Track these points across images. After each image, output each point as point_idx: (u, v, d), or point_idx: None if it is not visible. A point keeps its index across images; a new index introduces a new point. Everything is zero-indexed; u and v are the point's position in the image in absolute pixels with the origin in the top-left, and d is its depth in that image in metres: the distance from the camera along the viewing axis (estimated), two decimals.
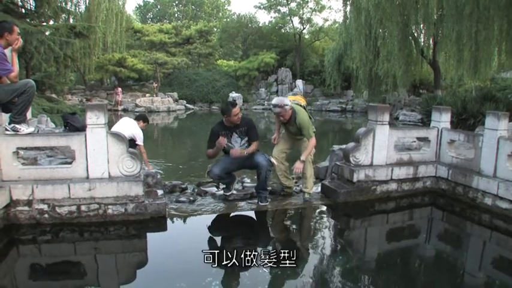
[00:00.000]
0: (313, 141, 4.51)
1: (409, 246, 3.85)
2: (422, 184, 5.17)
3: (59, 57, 11.87)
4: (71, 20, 15.55)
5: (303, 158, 4.47)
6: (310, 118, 4.64)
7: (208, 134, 4.46)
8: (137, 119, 6.13)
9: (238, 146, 4.41)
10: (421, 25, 15.70)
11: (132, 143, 5.44)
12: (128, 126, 5.73)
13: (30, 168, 3.87)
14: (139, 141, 5.79)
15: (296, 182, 5.32)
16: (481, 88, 14.91)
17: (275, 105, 4.39)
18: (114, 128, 5.43)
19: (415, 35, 16.65)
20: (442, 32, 14.36)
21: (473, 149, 4.92)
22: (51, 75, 13.91)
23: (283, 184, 4.83)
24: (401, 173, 4.98)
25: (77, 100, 22.66)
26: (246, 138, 4.43)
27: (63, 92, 16.68)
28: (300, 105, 4.65)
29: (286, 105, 4.40)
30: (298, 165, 4.41)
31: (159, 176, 5.02)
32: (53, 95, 13.82)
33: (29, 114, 4.86)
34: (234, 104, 4.28)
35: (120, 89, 23.65)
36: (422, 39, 17.06)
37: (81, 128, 4.64)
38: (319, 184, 5.17)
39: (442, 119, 5.26)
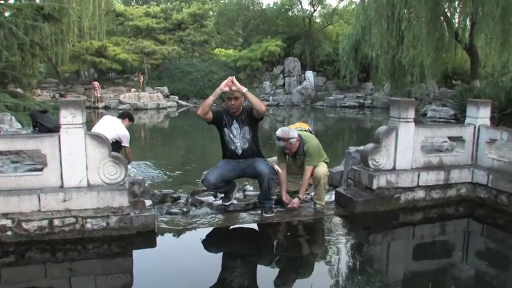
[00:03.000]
0: (310, 171, 4.64)
1: (441, 267, 3.79)
2: (456, 192, 5.14)
3: (24, 44, 11.64)
4: (37, 0, 15.39)
5: (301, 195, 4.66)
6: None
7: (204, 136, 4.48)
8: (121, 117, 6.17)
9: (237, 134, 4.46)
10: (456, 2, 15.54)
11: (116, 145, 5.46)
12: (112, 126, 5.76)
13: None
14: (126, 142, 5.82)
15: (306, 190, 5.32)
16: None
17: (279, 139, 4.52)
18: (95, 129, 5.46)
19: (448, 14, 16.48)
20: (483, 9, 14.07)
21: None
22: (15, 65, 13.71)
23: (288, 190, 4.84)
24: (429, 178, 4.95)
25: (49, 96, 22.69)
26: (247, 128, 4.45)
27: (30, 86, 16.52)
28: (305, 131, 4.80)
29: (293, 138, 4.53)
30: (295, 201, 4.63)
31: (147, 184, 5.03)
32: (18, 90, 13.60)
33: None
34: (237, 96, 4.38)
35: (97, 83, 23.70)
36: (456, 20, 16.83)
37: (54, 129, 4.67)
38: (333, 192, 5.15)
39: (480, 115, 5.23)
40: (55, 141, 3.78)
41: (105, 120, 6.01)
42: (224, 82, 4.32)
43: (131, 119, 6.30)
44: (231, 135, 4.46)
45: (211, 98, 4.33)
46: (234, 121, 4.45)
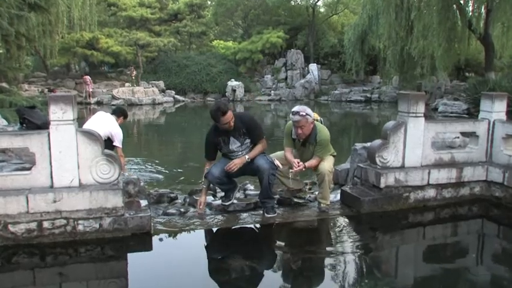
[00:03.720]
0: (317, 161, 4.57)
1: (454, 271, 3.77)
2: (469, 190, 5.14)
3: (8, 36, 11.48)
4: None
5: (307, 164, 4.55)
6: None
7: (202, 132, 4.47)
8: (115, 113, 6.14)
9: (237, 148, 4.44)
10: None
11: (108, 143, 5.45)
12: (104, 123, 5.74)
13: None
14: (118, 142, 5.80)
15: (310, 189, 5.31)
16: None
17: (295, 112, 4.44)
18: (87, 126, 5.44)
19: (461, 2, 16.39)
20: None
21: None
22: (0, 58, 13.77)
23: (290, 188, 4.84)
24: (441, 176, 4.95)
25: (37, 90, 22.72)
26: (248, 140, 4.44)
27: (17, 81, 16.54)
28: (316, 121, 4.75)
29: (309, 115, 4.45)
30: (301, 164, 4.48)
31: (142, 183, 5.03)
32: (4, 84, 13.57)
33: None
34: (224, 111, 4.18)
35: (88, 78, 23.72)
36: (470, 7, 16.72)
37: (43, 125, 4.66)
38: (338, 191, 5.15)
39: (495, 109, 5.22)
40: (44, 139, 3.78)
41: (97, 116, 6.00)
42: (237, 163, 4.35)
43: (126, 117, 6.28)
44: (231, 152, 4.47)
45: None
46: (231, 137, 4.42)
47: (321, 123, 4.81)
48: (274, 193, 4.70)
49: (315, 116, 4.77)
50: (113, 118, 5.97)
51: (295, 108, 4.50)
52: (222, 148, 4.48)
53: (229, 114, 4.23)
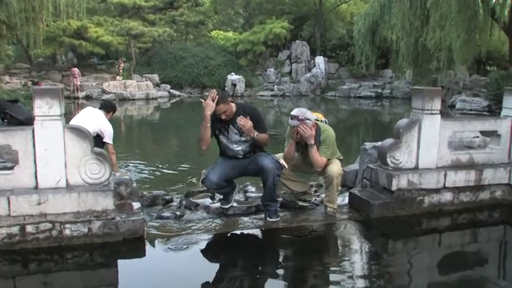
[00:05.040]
0: (324, 161, 4.50)
1: (473, 282, 3.76)
2: (490, 194, 5.12)
3: None
4: None
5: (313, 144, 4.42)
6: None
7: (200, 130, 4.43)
8: (104, 108, 6.14)
9: (236, 140, 4.42)
10: None
11: (96, 141, 5.45)
12: (94, 119, 5.75)
13: None
14: (108, 138, 5.81)
15: (316, 191, 5.31)
16: None
17: (293, 117, 4.39)
18: (74, 121, 5.45)
19: None
20: None
21: None
22: None
23: (294, 191, 4.83)
24: (458, 179, 4.94)
25: (19, 83, 22.81)
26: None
27: None
28: (320, 121, 4.73)
29: (308, 119, 4.39)
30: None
31: (134, 185, 5.03)
32: None
33: None
34: (221, 101, 4.20)
35: (76, 70, 23.74)
36: None
37: (27, 121, 4.67)
38: (346, 194, 5.16)
39: None
40: (28, 136, 3.78)
41: (86, 112, 6.01)
42: (207, 102, 4.19)
43: (115, 111, 6.29)
44: (230, 143, 4.45)
45: (204, 125, 4.27)
46: (231, 126, 4.41)
47: (326, 123, 4.80)
48: (277, 196, 4.69)
49: (319, 116, 4.77)
50: (101, 113, 5.97)
51: (294, 112, 4.45)
52: (219, 137, 4.46)
53: (222, 107, 4.21)
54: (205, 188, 5.04)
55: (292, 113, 4.46)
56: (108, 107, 6.20)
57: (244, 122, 4.20)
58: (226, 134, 4.43)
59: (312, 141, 4.38)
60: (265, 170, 4.33)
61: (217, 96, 4.18)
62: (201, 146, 4.40)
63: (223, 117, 4.30)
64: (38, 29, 18.63)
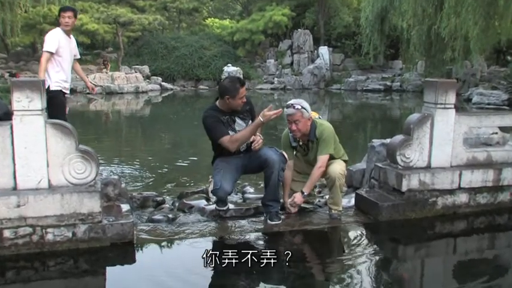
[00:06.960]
0: (324, 161, 4.57)
1: None
2: (509, 196, 5.13)
3: None
4: None
5: (305, 190, 4.60)
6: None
7: (194, 126, 4.45)
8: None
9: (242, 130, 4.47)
10: None
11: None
12: None
13: None
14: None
15: (320, 192, 5.31)
16: None
17: (289, 105, 4.49)
18: None
19: None
20: None
21: None
22: None
23: (296, 192, 4.83)
24: (474, 178, 4.94)
25: None
26: (250, 122, 4.49)
27: None
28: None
29: (305, 108, 4.47)
30: (297, 198, 4.59)
31: (123, 185, 5.03)
32: None
33: None
34: (243, 82, 4.40)
35: None
36: None
37: (4, 116, 4.64)
38: (353, 195, 5.17)
39: None
40: (6, 132, 3.77)
41: None
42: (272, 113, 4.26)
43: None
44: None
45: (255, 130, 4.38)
46: (237, 118, 4.47)
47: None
48: (280, 196, 4.69)
49: (313, 114, 4.79)
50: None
51: (290, 101, 4.56)
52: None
53: (245, 89, 4.36)
54: (200, 189, 5.03)
55: (287, 103, 4.56)
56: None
57: (260, 142, 4.39)
58: (233, 126, 4.45)
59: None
60: (270, 163, 4.33)
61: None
62: (233, 148, 4.37)
63: (239, 102, 4.33)
64: (16, 15, 18.56)
